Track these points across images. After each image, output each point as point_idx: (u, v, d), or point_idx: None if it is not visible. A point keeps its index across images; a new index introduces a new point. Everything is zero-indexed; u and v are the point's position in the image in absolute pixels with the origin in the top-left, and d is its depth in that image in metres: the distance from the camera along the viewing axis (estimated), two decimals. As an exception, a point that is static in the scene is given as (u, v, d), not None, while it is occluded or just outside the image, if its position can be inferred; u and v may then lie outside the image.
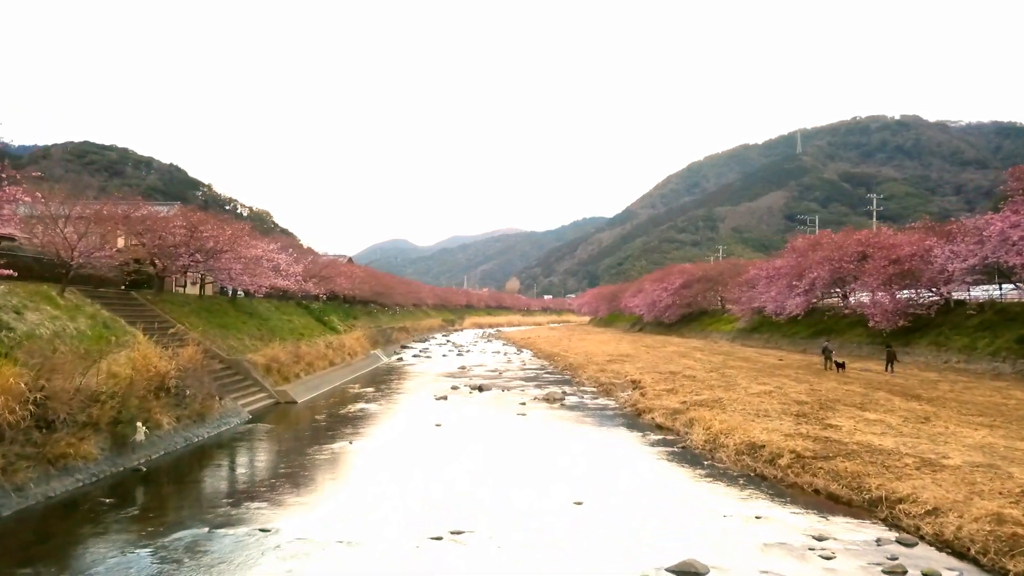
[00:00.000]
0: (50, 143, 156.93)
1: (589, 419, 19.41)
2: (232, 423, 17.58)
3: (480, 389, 25.82)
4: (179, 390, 15.56)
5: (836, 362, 25.16)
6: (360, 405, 21.91)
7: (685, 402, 19.42)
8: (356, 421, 18.94)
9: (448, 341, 65.02)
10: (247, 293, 36.56)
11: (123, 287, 26.03)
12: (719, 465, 13.29)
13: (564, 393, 24.02)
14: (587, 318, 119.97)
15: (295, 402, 22.20)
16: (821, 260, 34.48)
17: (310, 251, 43.17)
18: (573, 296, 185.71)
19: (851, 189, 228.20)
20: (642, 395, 22.22)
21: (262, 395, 21.68)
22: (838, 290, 38.83)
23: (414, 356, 44.97)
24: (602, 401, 22.92)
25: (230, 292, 34.20)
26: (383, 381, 29.82)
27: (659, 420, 17.98)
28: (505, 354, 46.83)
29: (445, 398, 23.38)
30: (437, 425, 17.66)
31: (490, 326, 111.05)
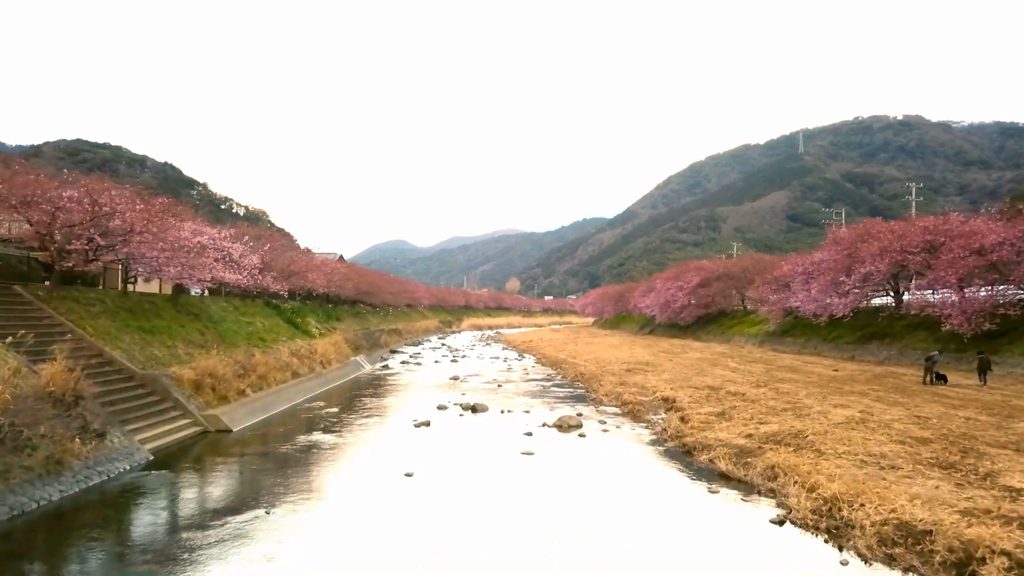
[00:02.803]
0: (42, 141, 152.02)
1: (621, 461, 14.12)
2: (116, 471, 12.28)
3: (473, 410, 20.58)
4: (11, 431, 10.27)
5: (937, 374, 20.25)
6: (313, 436, 16.61)
7: (751, 435, 14.20)
8: (297, 465, 13.64)
9: (443, 344, 59.95)
10: (215, 291, 31.42)
11: (45, 281, 21.21)
12: (857, 561, 8.09)
13: (580, 417, 18.74)
14: (590, 319, 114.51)
15: (229, 431, 16.91)
16: (878, 252, 29.16)
17: (271, 238, 37.40)
18: (575, 297, 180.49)
19: (854, 189, 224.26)
20: (683, 420, 17.00)
21: (184, 422, 16.39)
22: (885, 288, 33.62)
23: (402, 363, 39.77)
24: (630, 428, 17.65)
25: (192, 290, 28.99)
26: (356, 397, 24.55)
27: (722, 465, 12.71)
28: (505, 360, 41.54)
29: (428, 424, 18.12)
30: (407, 475, 12.31)
31: (489, 327, 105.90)
